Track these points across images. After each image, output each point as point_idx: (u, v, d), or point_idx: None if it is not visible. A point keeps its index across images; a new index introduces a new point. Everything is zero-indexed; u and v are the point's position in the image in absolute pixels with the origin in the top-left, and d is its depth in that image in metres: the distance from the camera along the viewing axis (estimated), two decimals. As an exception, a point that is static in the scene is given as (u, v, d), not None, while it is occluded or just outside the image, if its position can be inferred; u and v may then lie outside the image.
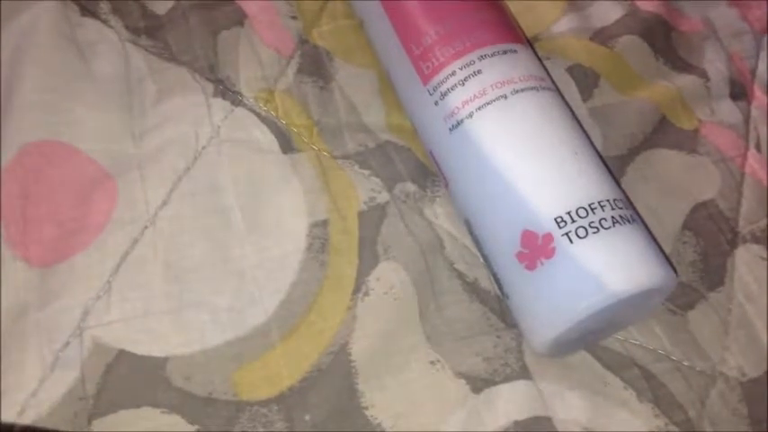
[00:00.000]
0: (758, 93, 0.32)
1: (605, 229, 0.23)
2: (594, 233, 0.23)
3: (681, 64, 0.33)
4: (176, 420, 0.25)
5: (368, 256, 0.27)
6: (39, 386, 0.25)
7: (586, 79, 0.31)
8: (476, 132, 0.25)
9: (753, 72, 0.33)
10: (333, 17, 0.33)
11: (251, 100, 0.30)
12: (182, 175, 0.28)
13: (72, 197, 0.27)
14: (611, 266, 0.23)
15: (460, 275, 0.28)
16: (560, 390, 0.26)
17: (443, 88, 0.26)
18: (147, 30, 0.31)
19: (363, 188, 0.29)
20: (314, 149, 0.29)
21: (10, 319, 0.26)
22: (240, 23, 0.31)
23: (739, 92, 0.32)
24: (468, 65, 0.26)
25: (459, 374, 0.26)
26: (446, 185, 0.27)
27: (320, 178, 0.29)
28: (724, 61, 0.33)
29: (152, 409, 0.25)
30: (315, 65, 0.31)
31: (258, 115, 0.30)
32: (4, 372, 0.25)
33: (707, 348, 0.27)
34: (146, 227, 0.27)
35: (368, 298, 0.27)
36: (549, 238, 0.23)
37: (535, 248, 0.24)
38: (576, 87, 0.31)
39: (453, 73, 0.26)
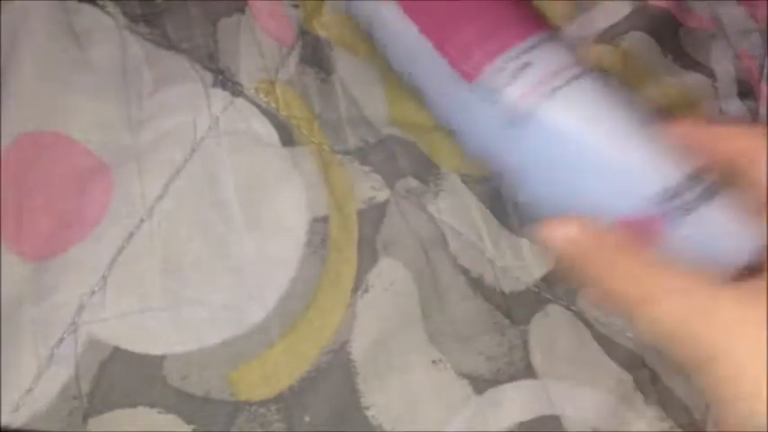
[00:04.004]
0: (766, 91, 0.32)
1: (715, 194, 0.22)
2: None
3: (688, 61, 0.32)
4: (173, 420, 0.24)
5: (367, 254, 0.27)
6: (34, 384, 0.24)
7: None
8: (550, 124, 0.24)
9: (761, 71, 0.33)
10: (335, 7, 0.32)
11: (251, 91, 0.29)
12: (179, 167, 0.27)
13: (68, 189, 0.27)
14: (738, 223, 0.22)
15: (465, 271, 0.27)
16: (569, 387, 0.25)
17: (496, 84, 0.25)
18: (146, 17, 0.30)
19: (364, 185, 0.28)
20: (314, 143, 0.29)
21: (5, 314, 0.25)
22: (241, 11, 0.31)
23: (747, 90, 0.32)
24: (515, 58, 0.25)
25: (462, 375, 0.25)
26: (501, 185, 0.26)
27: (321, 174, 0.28)
28: (731, 60, 0.33)
29: (148, 409, 0.24)
30: (316, 55, 0.31)
31: (258, 107, 0.29)
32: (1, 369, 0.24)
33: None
34: (142, 220, 0.27)
35: (368, 295, 0.26)
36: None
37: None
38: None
39: (503, 68, 0.25)
